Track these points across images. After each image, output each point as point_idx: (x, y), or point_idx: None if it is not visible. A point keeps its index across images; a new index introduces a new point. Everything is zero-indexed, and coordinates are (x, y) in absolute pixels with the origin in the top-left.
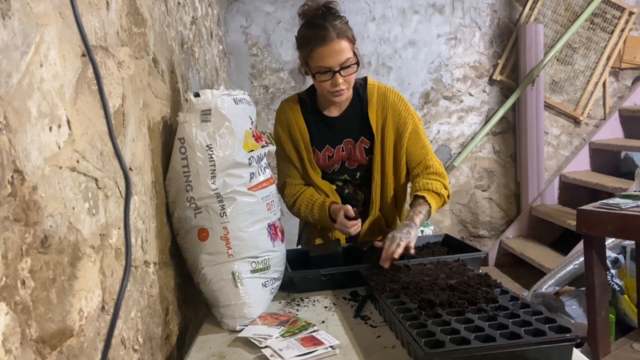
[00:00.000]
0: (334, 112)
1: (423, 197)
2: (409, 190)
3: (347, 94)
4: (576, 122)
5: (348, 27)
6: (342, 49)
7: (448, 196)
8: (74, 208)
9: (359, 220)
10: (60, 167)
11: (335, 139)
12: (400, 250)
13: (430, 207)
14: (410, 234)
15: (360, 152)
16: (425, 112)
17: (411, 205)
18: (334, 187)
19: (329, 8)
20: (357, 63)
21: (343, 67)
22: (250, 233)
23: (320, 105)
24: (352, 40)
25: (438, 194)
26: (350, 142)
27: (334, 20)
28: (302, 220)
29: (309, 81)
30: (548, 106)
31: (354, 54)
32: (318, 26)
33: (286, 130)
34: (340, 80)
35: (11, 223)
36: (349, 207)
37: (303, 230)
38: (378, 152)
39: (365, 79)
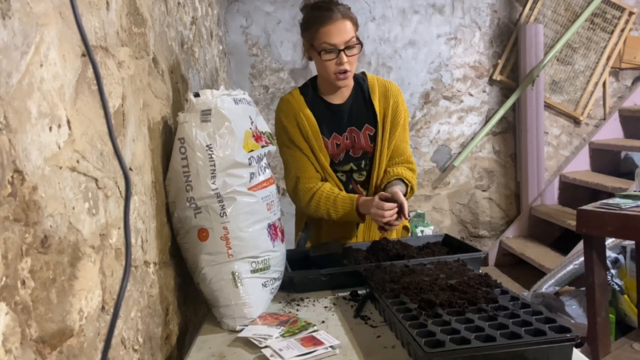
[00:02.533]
0: (337, 100)
1: (407, 186)
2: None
3: (350, 79)
4: (576, 122)
5: (351, 12)
6: (347, 29)
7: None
8: (74, 208)
9: (395, 205)
10: (60, 167)
11: (341, 126)
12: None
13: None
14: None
15: (365, 140)
16: (425, 112)
17: (394, 183)
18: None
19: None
20: (361, 44)
21: (347, 46)
22: (250, 233)
23: (322, 93)
24: (356, 24)
25: (413, 190)
26: (354, 130)
27: (337, 5)
28: (300, 221)
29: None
30: (548, 106)
31: (357, 37)
32: (322, 7)
33: (293, 122)
34: (345, 59)
35: (11, 223)
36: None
37: (303, 231)
38: (380, 139)
39: (363, 73)
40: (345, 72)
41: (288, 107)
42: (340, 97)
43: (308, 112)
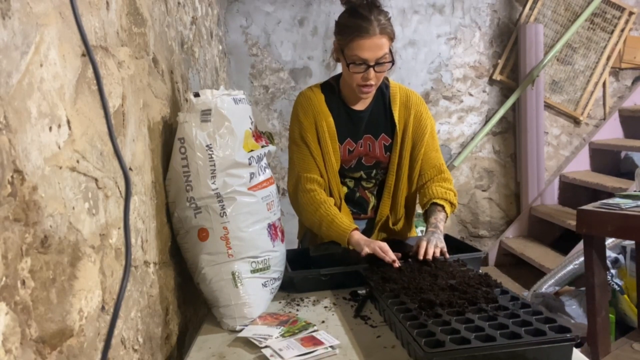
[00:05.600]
0: (358, 106)
1: (442, 207)
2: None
3: (373, 91)
4: (576, 122)
5: (390, 24)
6: (381, 45)
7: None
8: (74, 208)
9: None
10: (60, 167)
11: (358, 133)
12: (437, 252)
13: (447, 217)
14: (442, 241)
15: (380, 149)
16: None
17: (430, 210)
18: (345, 189)
19: (374, 0)
20: (392, 62)
21: (378, 62)
22: (250, 233)
23: (344, 96)
24: (392, 38)
25: (452, 204)
26: (370, 139)
27: (378, 15)
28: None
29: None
30: (548, 106)
31: (390, 52)
32: (362, 17)
33: (311, 120)
34: (372, 75)
35: (11, 223)
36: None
37: (305, 235)
38: (397, 150)
39: (386, 79)
40: (370, 86)
41: (308, 103)
42: (361, 104)
43: (328, 112)
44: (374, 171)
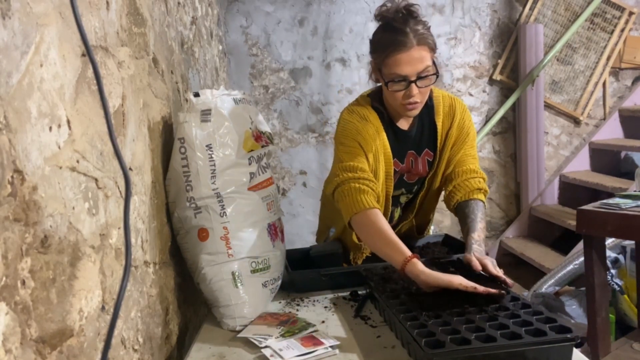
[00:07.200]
0: (404, 124)
1: (482, 201)
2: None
3: (419, 108)
4: (576, 122)
5: (429, 34)
6: (422, 57)
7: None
8: (74, 208)
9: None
10: (60, 167)
11: (403, 152)
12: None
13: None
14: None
15: (423, 165)
16: None
17: (469, 212)
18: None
19: (410, 11)
20: (436, 74)
21: (420, 77)
22: (250, 233)
23: (391, 116)
24: (433, 49)
25: (482, 190)
26: (413, 155)
27: (415, 25)
28: (325, 223)
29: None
30: (548, 106)
31: (433, 63)
32: (397, 30)
33: (374, 138)
34: (415, 91)
35: (11, 223)
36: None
37: (331, 230)
38: (436, 162)
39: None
40: (414, 103)
41: (371, 126)
42: (405, 122)
43: (384, 133)
44: (415, 187)
